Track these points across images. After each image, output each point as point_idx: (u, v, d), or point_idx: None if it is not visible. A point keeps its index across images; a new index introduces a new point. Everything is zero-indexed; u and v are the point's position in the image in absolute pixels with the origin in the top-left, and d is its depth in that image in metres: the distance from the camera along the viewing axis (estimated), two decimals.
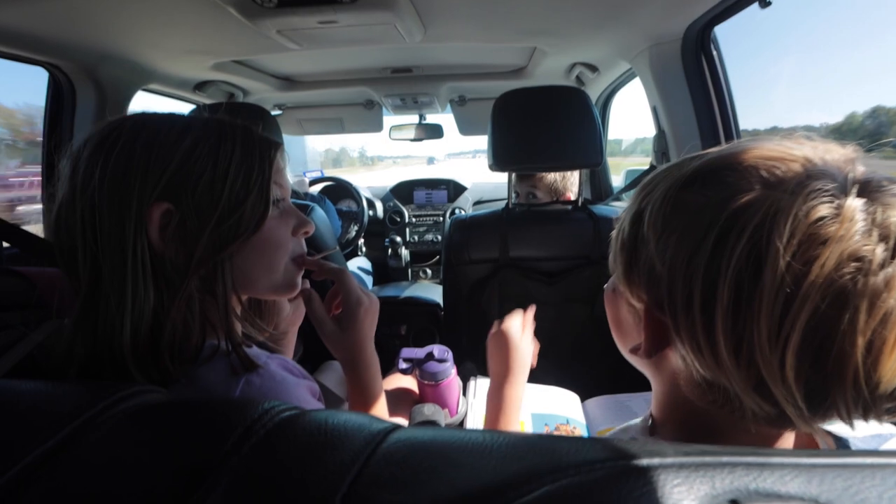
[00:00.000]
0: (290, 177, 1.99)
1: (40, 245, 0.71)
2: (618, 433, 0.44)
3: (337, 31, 1.03)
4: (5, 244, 0.74)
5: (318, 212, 1.32)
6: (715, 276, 0.27)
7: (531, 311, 0.82)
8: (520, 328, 0.77)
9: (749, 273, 0.26)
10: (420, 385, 0.92)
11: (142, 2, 0.90)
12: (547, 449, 0.18)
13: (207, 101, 1.66)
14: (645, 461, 0.18)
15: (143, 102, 1.46)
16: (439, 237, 2.45)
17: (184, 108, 1.65)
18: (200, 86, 1.57)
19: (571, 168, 1.17)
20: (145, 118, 0.47)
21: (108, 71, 1.25)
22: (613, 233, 0.40)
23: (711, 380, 0.30)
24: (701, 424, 0.34)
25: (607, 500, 0.16)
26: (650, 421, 0.41)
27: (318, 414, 0.24)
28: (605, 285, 0.44)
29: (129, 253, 0.42)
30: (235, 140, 0.47)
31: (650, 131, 1.31)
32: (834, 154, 0.29)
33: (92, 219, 0.43)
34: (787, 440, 0.33)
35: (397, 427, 0.22)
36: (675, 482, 0.17)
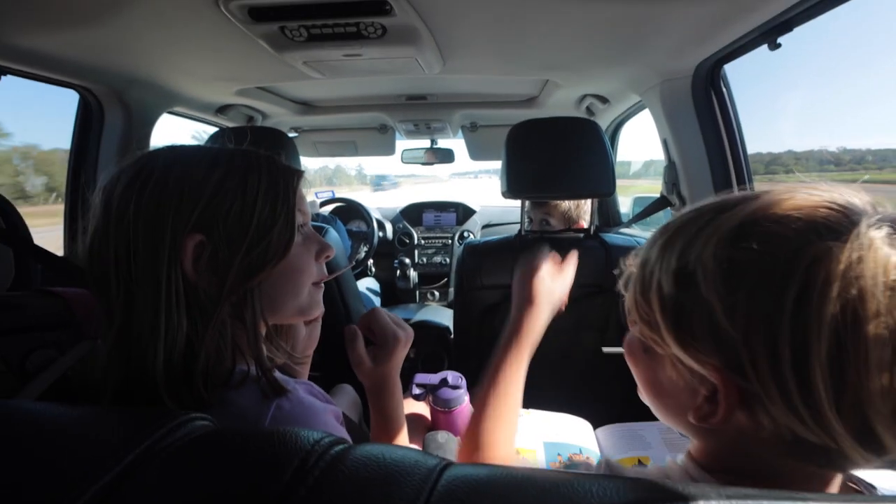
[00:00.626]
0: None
1: (68, 268, 0.73)
2: (658, 475, 0.42)
3: (360, 63, 1.07)
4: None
5: (332, 233, 1.35)
6: (805, 333, 0.26)
7: (573, 256, 0.81)
8: (550, 263, 0.74)
9: (847, 325, 0.25)
10: (433, 411, 0.92)
11: (175, 30, 0.94)
12: (602, 487, 0.20)
13: (228, 124, 1.70)
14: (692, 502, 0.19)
15: (165, 124, 1.51)
16: (448, 259, 2.46)
17: (204, 129, 1.70)
18: (222, 109, 1.62)
19: (583, 197, 1.20)
20: (176, 152, 0.49)
21: (137, 94, 1.30)
22: (630, 292, 0.38)
23: (800, 435, 0.28)
24: (763, 469, 0.33)
25: None
26: (691, 463, 0.39)
27: (371, 448, 0.25)
28: (627, 342, 0.42)
29: (164, 284, 0.44)
30: (261, 171, 0.50)
31: (657, 154, 1.34)
32: (853, 196, 0.30)
33: (126, 251, 0.45)
34: (837, 481, 0.34)
35: (450, 463, 0.23)
36: None
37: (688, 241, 0.33)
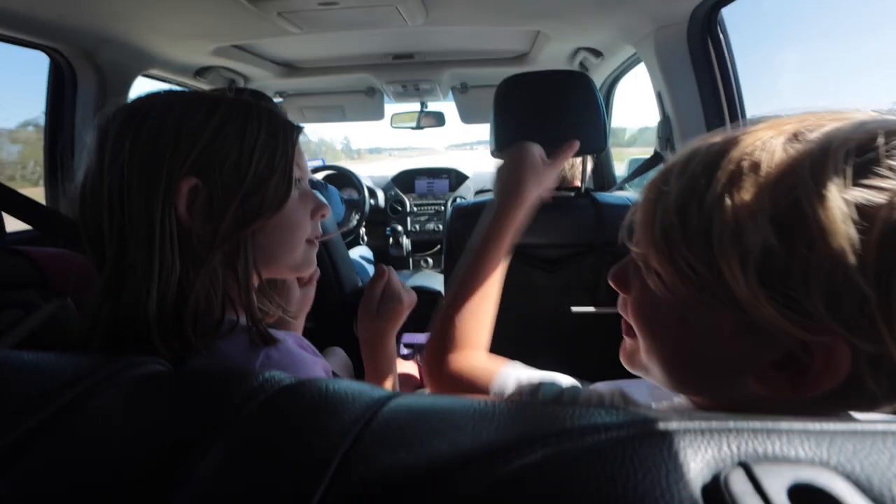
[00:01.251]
0: None
1: (58, 221, 0.71)
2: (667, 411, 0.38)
3: (338, 14, 1.01)
4: (26, 226, 0.74)
5: (328, 194, 1.32)
6: None
7: (574, 146, 0.74)
8: (539, 150, 0.67)
9: None
10: (421, 370, 0.92)
11: None
12: (551, 413, 0.18)
13: (208, 88, 1.64)
14: (650, 426, 0.18)
15: (143, 89, 1.45)
16: (440, 226, 2.44)
17: None
18: (201, 72, 1.56)
19: (575, 154, 1.16)
20: (175, 95, 0.47)
21: (109, 55, 1.24)
22: (657, 248, 0.31)
23: (885, 394, 0.26)
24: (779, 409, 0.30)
25: (610, 462, 0.16)
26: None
27: (319, 381, 0.24)
28: (643, 308, 0.36)
29: (157, 225, 0.43)
30: (261, 120, 0.48)
31: (652, 121, 1.30)
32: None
33: (120, 191, 0.43)
34: None
35: (399, 394, 0.22)
36: (680, 446, 0.17)
37: (783, 174, 0.26)
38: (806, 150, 0.26)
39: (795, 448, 0.17)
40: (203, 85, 1.63)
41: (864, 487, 0.15)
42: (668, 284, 0.31)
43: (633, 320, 0.36)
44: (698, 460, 0.16)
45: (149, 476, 0.20)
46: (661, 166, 1.13)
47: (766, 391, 0.28)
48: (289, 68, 1.76)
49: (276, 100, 2.06)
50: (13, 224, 0.75)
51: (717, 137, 0.31)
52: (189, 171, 0.44)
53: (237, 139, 0.46)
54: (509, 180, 0.63)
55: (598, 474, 0.15)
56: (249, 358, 0.45)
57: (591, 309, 0.51)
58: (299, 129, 0.53)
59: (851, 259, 0.23)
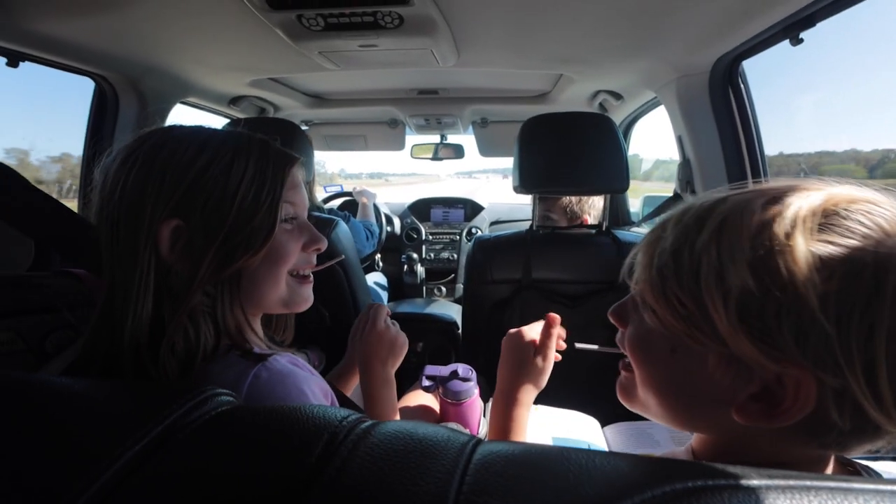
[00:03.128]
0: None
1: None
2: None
3: (376, 54, 1.07)
4: None
5: (342, 226, 1.35)
6: None
7: (557, 328, 0.78)
8: (535, 336, 0.73)
9: None
10: (442, 403, 0.92)
11: (191, 18, 0.95)
12: (638, 466, 0.19)
13: (240, 116, 1.71)
14: (734, 482, 0.19)
15: (180, 116, 1.52)
16: (455, 255, 2.46)
17: (216, 121, 1.71)
18: (235, 100, 1.63)
19: (597, 193, 1.19)
20: (169, 135, 0.49)
21: (151, 83, 1.31)
22: (652, 286, 0.35)
23: (854, 425, 0.29)
24: (771, 458, 0.33)
25: None
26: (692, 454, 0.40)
27: (399, 424, 0.25)
28: (637, 340, 0.39)
29: (137, 266, 0.45)
30: (250, 157, 0.49)
31: (666, 154, 1.33)
32: (880, 194, 0.30)
33: (112, 230, 0.47)
34: (831, 463, 0.34)
35: (481, 440, 0.23)
36: (767, 500, 0.18)
37: (761, 228, 0.30)
38: (780, 211, 0.30)
39: None
40: (236, 113, 1.70)
41: None
42: (661, 318, 0.35)
43: (630, 351, 0.40)
44: None
45: None
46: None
47: (745, 421, 0.31)
48: (317, 99, 1.83)
49: (302, 128, 2.13)
50: None
51: (707, 196, 0.36)
52: (171, 214, 0.46)
53: (222, 178, 0.47)
54: (509, 373, 0.73)
55: None
56: (239, 379, 0.45)
57: (593, 347, 0.53)
58: (293, 162, 0.53)
59: (815, 302, 0.27)
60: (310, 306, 0.58)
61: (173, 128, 0.51)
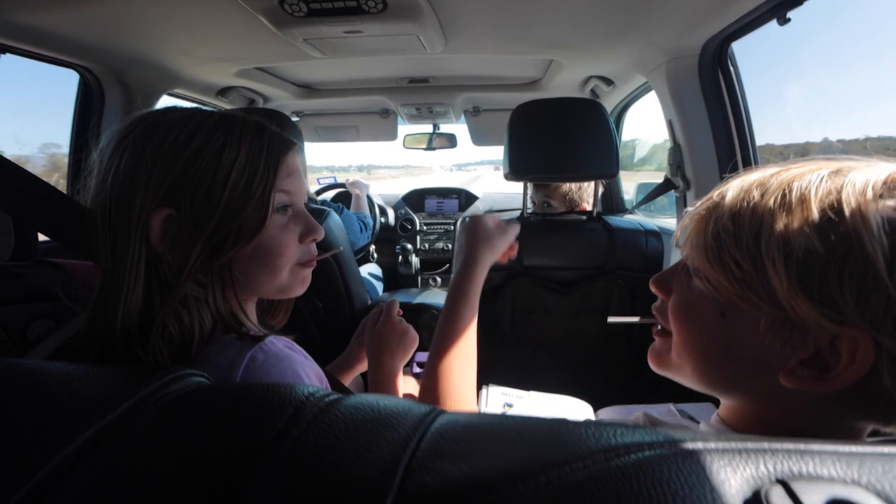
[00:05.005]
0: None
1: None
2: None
3: (361, 41, 1.05)
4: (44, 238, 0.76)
5: (334, 217, 1.34)
6: None
7: (517, 227, 0.78)
8: (492, 218, 0.75)
9: None
10: None
11: (174, 7, 0.93)
12: (596, 431, 0.19)
13: (229, 107, 1.69)
14: (690, 445, 0.19)
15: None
16: (450, 245, 2.46)
17: None
18: (223, 91, 1.61)
19: (587, 179, 1.19)
20: (160, 119, 0.47)
21: (137, 75, 1.29)
22: (706, 250, 0.35)
23: None
24: (808, 429, 0.34)
25: (658, 477, 0.17)
26: (723, 425, 0.41)
27: (364, 397, 0.25)
28: (685, 305, 0.39)
29: (129, 253, 0.45)
30: (242, 143, 0.47)
31: (657, 143, 1.32)
32: None
33: (105, 216, 0.46)
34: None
35: (442, 411, 0.23)
36: (720, 464, 0.18)
37: (829, 192, 0.31)
38: (848, 180, 0.31)
39: (828, 468, 0.18)
40: (224, 104, 1.68)
41: None
42: (713, 283, 0.35)
43: (673, 318, 0.40)
44: (738, 477, 0.17)
45: (201, 497, 0.21)
46: (671, 192, 1.14)
47: (793, 385, 0.31)
48: (307, 89, 1.81)
49: (293, 119, 2.11)
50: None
51: (768, 168, 0.36)
52: (161, 203, 0.45)
53: (212, 165, 0.46)
54: (466, 248, 0.71)
55: (647, 488, 0.16)
56: (235, 361, 0.45)
57: (630, 319, 0.53)
58: (288, 147, 0.51)
59: (882, 263, 0.27)
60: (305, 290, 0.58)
61: (168, 110, 0.49)
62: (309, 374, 0.50)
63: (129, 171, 0.45)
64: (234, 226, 0.47)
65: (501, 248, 0.74)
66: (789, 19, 0.84)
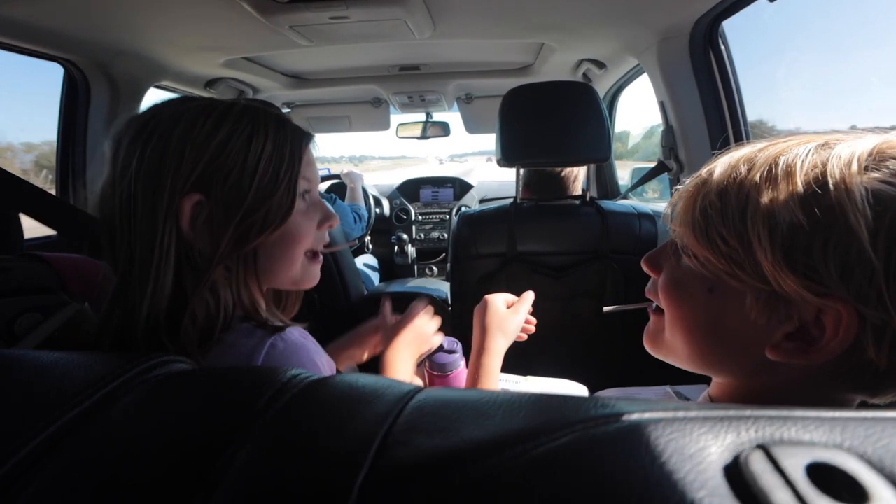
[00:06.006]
0: None
1: (82, 226, 0.72)
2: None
3: (348, 27, 1.04)
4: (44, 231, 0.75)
5: (337, 205, 1.34)
6: None
7: (529, 297, 0.83)
8: (503, 299, 0.79)
9: None
10: (429, 376, 0.92)
11: None
12: (577, 402, 0.19)
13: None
14: (671, 414, 0.19)
15: (154, 100, 1.48)
16: (445, 235, 2.46)
17: None
18: (211, 83, 1.59)
19: (580, 164, 1.18)
20: (184, 108, 0.47)
21: (122, 67, 1.27)
22: (694, 226, 0.35)
23: (885, 371, 0.30)
24: (798, 401, 0.34)
25: (636, 445, 0.17)
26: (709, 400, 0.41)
27: (346, 376, 0.25)
28: (674, 283, 0.40)
29: (158, 241, 0.44)
30: (268, 133, 0.48)
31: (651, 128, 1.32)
32: None
33: (128, 205, 0.45)
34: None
35: (423, 388, 0.23)
36: (700, 431, 0.18)
37: (814, 165, 0.31)
38: (834, 153, 0.31)
39: (810, 433, 0.18)
40: (212, 96, 1.66)
41: (877, 467, 0.16)
42: (701, 259, 0.35)
43: (663, 295, 0.40)
44: (719, 444, 0.17)
45: (180, 476, 0.21)
46: (665, 175, 1.14)
47: (779, 358, 0.32)
48: (297, 79, 1.79)
49: (284, 110, 2.09)
50: (32, 229, 0.77)
51: (756, 143, 0.36)
52: (192, 188, 0.45)
53: (241, 153, 0.47)
54: (480, 337, 0.75)
55: (624, 455, 0.16)
56: (256, 348, 0.46)
57: (625, 307, 0.54)
58: (309, 138, 0.53)
59: (865, 237, 0.28)
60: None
61: (186, 99, 0.49)
62: (324, 363, 0.51)
63: (156, 159, 0.45)
64: (263, 212, 0.48)
65: (515, 331, 0.77)
66: None
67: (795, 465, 0.16)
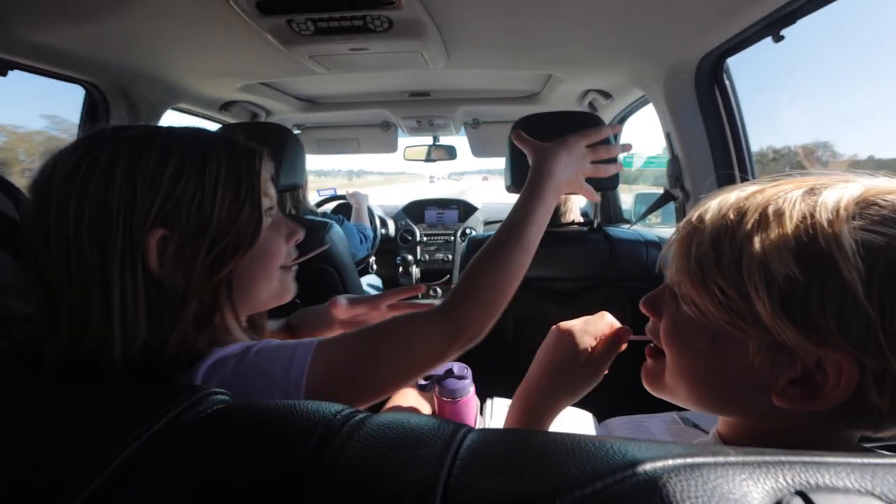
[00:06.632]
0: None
1: None
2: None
3: (366, 58, 1.07)
4: None
5: (336, 229, 1.36)
6: None
7: (612, 335, 0.61)
8: (590, 342, 0.60)
9: None
10: (438, 402, 0.93)
11: (181, 24, 0.95)
12: (623, 448, 0.20)
13: (232, 121, 1.71)
14: (712, 459, 0.20)
15: (171, 121, 1.52)
16: (450, 256, 2.47)
17: (210, 127, 1.71)
18: (226, 106, 1.63)
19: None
20: (121, 136, 0.44)
21: (142, 90, 1.31)
22: (691, 277, 0.35)
23: (888, 412, 0.30)
24: (804, 441, 0.34)
25: (682, 488, 0.18)
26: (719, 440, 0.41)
27: (392, 415, 0.26)
28: (674, 332, 0.39)
29: (117, 288, 0.41)
30: (219, 156, 0.47)
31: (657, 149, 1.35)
32: None
33: (66, 254, 0.41)
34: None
35: (472, 428, 0.24)
36: (741, 477, 0.19)
37: (803, 217, 0.31)
38: (822, 202, 0.31)
39: (843, 479, 0.19)
40: (227, 118, 1.70)
41: None
42: (701, 308, 0.35)
43: (666, 342, 0.40)
44: (759, 489, 0.18)
45: None
46: (671, 203, 1.16)
47: (785, 405, 0.32)
48: (309, 103, 1.83)
49: (295, 132, 2.13)
50: None
51: (745, 187, 0.36)
52: (154, 224, 0.42)
53: (198, 181, 0.44)
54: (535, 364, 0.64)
55: (672, 499, 0.17)
56: (291, 356, 0.45)
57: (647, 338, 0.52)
58: (261, 154, 0.51)
59: (860, 289, 0.28)
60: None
61: (119, 129, 0.45)
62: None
63: (100, 198, 0.41)
64: (231, 236, 0.46)
65: (584, 392, 0.59)
66: (783, 37, 0.86)
67: None
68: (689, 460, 0.20)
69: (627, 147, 0.79)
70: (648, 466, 0.19)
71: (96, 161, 0.41)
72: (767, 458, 0.20)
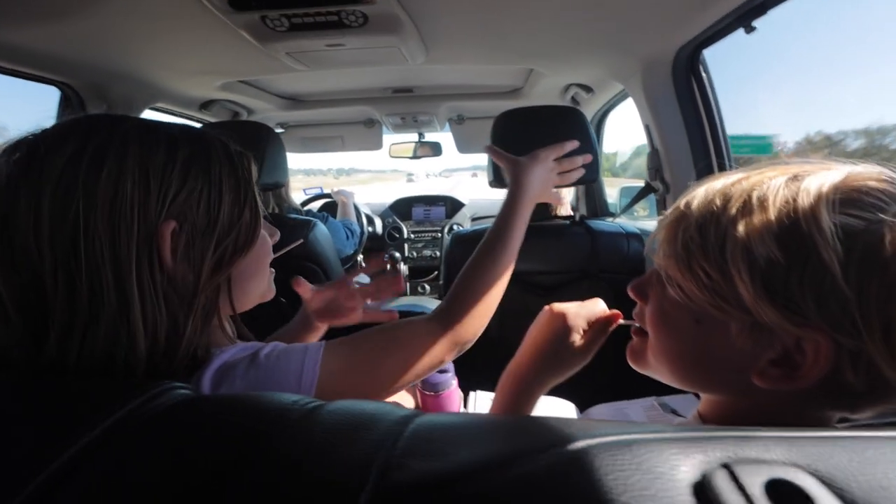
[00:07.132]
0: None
1: None
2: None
3: (343, 54, 1.07)
4: None
5: (320, 227, 1.35)
6: None
7: (603, 318, 0.59)
8: (582, 324, 0.58)
9: None
10: (421, 395, 0.93)
11: (154, 21, 0.94)
12: (555, 426, 0.21)
13: (212, 120, 1.69)
14: (647, 435, 0.21)
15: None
16: (438, 252, 2.47)
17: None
18: (206, 105, 1.61)
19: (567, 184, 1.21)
20: (122, 130, 0.42)
21: (119, 90, 1.29)
22: (677, 261, 0.37)
23: (863, 391, 0.31)
24: (781, 420, 0.35)
25: (609, 463, 0.19)
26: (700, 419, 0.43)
27: (347, 402, 0.26)
28: (661, 315, 0.41)
29: (133, 276, 0.40)
30: (220, 156, 0.47)
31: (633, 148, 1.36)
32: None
33: (74, 244, 0.38)
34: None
35: (421, 413, 0.24)
36: (672, 451, 0.19)
37: (786, 202, 0.32)
38: (804, 187, 0.32)
39: (769, 452, 0.19)
40: (207, 117, 1.68)
41: (828, 482, 0.18)
42: (686, 291, 0.37)
43: (651, 324, 0.42)
44: (688, 463, 0.19)
45: None
46: (652, 195, 1.17)
47: (765, 385, 0.33)
48: (292, 101, 1.82)
49: (278, 130, 2.12)
50: None
51: (731, 174, 0.38)
52: (167, 216, 0.42)
53: (205, 176, 0.44)
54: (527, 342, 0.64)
55: (598, 472, 0.18)
56: (302, 359, 0.48)
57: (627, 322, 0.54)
58: (250, 157, 0.51)
59: (837, 271, 0.29)
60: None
61: (116, 118, 0.43)
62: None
63: (112, 185, 0.39)
64: (234, 235, 0.47)
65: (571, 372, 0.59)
66: (755, 28, 0.87)
67: (755, 482, 0.17)
68: (623, 437, 0.20)
69: (587, 158, 0.88)
70: (581, 443, 0.19)
71: (103, 150, 0.40)
72: (701, 434, 0.21)
